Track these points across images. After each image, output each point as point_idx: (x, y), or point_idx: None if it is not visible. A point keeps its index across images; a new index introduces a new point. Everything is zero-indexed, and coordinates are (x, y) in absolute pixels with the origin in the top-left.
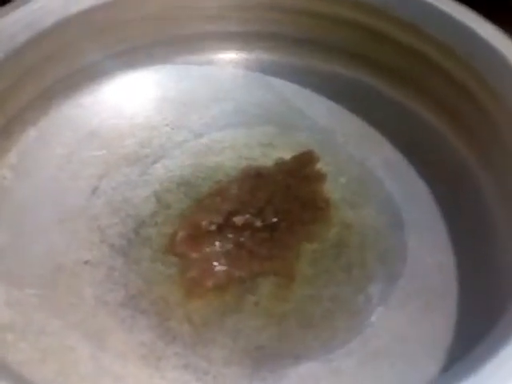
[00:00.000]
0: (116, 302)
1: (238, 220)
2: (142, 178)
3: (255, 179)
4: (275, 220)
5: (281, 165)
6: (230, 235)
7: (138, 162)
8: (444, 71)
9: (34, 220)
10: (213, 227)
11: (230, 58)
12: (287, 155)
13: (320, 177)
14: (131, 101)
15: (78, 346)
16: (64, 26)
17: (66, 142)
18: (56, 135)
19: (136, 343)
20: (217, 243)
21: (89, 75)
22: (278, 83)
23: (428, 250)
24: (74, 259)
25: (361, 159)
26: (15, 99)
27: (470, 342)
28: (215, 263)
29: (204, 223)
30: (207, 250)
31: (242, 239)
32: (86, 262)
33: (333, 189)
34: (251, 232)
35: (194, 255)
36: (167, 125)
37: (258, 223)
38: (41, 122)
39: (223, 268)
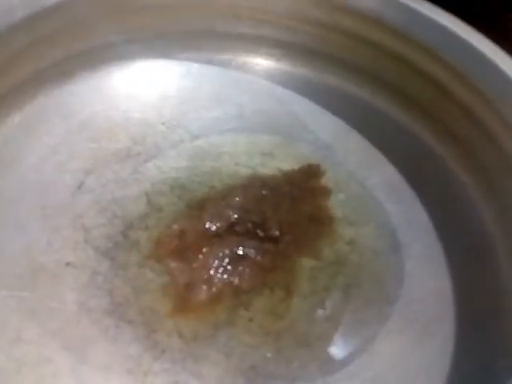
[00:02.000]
0: (100, 310)
1: (239, 228)
2: (133, 177)
3: (260, 188)
4: (278, 232)
5: (286, 175)
6: (229, 243)
7: (129, 159)
8: (451, 95)
9: (14, 214)
10: (210, 233)
11: (236, 60)
12: (287, 167)
13: (325, 192)
14: (127, 94)
15: (57, 356)
16: (66, 7)
17: (54, 130)
18: (43, 123)
19: (121, 356)
20: (213, 251)
21: (84, 62)
22: (284, 93)
23: (425, 274)
24: (56, 259)
25: (361, 178)
26: (3, 81)
27: (468, 367)
28: (210, 272)
29: (200, 229)
30: (201, 257)
31: (241, 249)
32: (67, 264)
33: (332, 205)
34: (252, 242)
35: (187, 263)
36: (163, 123)
37: (261, 233)
38: (27, 107)
39: (218, 278)
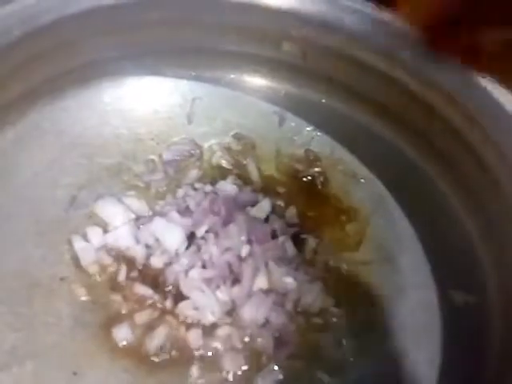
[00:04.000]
0: (96, 324)
1: None
2: (125, 193)
3: None
4: None
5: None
6: None
7: (120, 174)
8: (435, 111)
9: (8, 229)
10: None
11: (223, 77)
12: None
13: None
14: (118, 110)
15: (53, 371)
16: (60, 25)
17: (47, 146)
18: (36, 138)
19: (117, 370)
20: None
21: (76, 79)
22: (271, 108)
23: (412, 286)
24: (51, 275)
25: (347, 191)
26: None
27: (455, 380)
28: None
29: None
30: None
31: None
32: (62, 279)
33: None
34: None
35: None
36: (152, 138)
37: None
38: (20, 124)
39: None
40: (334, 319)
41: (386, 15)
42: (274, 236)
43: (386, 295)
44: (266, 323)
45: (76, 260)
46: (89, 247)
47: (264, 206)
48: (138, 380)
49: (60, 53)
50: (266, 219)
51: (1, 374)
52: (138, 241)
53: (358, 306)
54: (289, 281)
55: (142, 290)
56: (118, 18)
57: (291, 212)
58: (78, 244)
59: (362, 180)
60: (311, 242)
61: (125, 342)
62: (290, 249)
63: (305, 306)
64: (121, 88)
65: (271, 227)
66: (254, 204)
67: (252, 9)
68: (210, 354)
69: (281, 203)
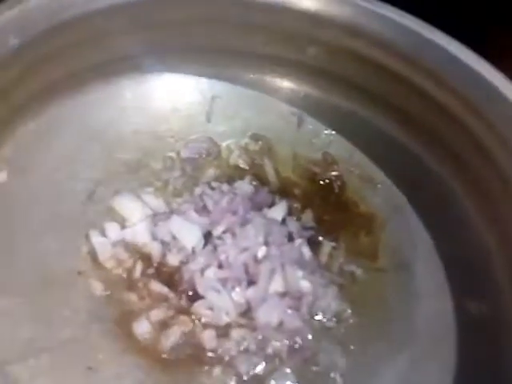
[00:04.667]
0: (111, 319)
1: None
2: (144, 190)
3: None
4: None
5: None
6: None
7: (139, 170)
8: (454, 117)
9: (27, 222)
10: None
11: (243, 76)
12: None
13: None
14: (138, 106)
15: (69, 364)
16: (84, 21)
17: (66, 140)
18: (56, 132)
19: (132, 365)
20: None
21: (97, 74)
22: (289, 110)
23: (427, 294)
24: (68, 269)
25: (363, 196)
26: (20, 90)
27: None
28: None
29: None
30: None
31: None
32: (79, 273)
33: None
34: None
35: None
36: (172, 136)
37: None
38: (41, 117)
39: None
40: (348, 325)
41: (410, 20)
42: (291, 239)
43: (401, 302)
44: (281, 326)
45: (93, 255)
46: (106, 242)
47: (281, 208)
48: (152, 377)
49: (83, 48)
50: (283, 221)
51: (17, 365)
52: (154, 238)
53: (372, 312)
54: (305, 284)
55: (158, 287)
56: (141, 14)
57: (307, 215)
58: (96, 239)
59: (379, 185)
60: (327, 246)
61: (145, 337)
62: (307, 252)
63: (320, 310)
64: (141, 85)
65: (288, 229)
66: (270, 205)
67: (278, 10)
68: (223, 355)
69: (297, 206)
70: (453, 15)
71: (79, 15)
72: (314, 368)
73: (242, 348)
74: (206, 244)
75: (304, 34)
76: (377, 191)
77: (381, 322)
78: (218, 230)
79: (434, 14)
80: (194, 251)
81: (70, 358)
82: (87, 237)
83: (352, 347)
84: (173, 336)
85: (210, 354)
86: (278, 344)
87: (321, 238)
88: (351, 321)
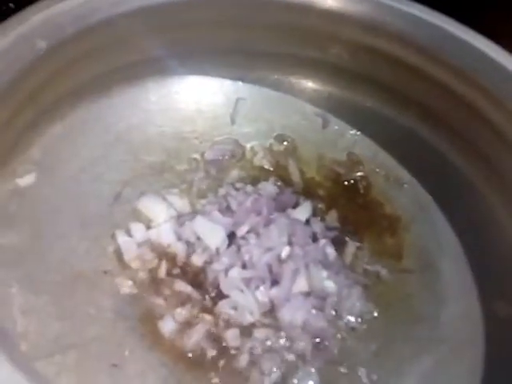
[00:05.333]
0: (136, 318)
1: None
2: (169, 191)
3: None
4: None
5: None
6: None
7: (164, 172)
8: (482, 115)
9: (55, 223)
10: None
11: (267, 78)
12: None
13: None
14: (162, 108)
15: (94, 361)
16: (110, 24)
17: (92, 142)
18: (83, 134)
19: (156, 364)
20: None
21: (122, 77)
22: (314, 111)
23: (455, 296)
24: (94, 268)
25: (389, 197)
26: (48, 93)
27: None
28: None
29: None
30: None
31: None
32: (105, 272)
33: None
34: None
35: None
36: (196, 137)
37: None
38: (68, 120)
39: None
40: (373, 325)
41: (430, 15)
42: (315, 239)
43: (426, 303)
44: (305, 326)
45: (119, 254)
46: (132, 242)
47: (305, 209)
48: (176, 375)
49: (109, 51)
50: (307, 222)
51: (44, 361)
52: (179, 238)
53: (398, 312)
54: (329, 284)
55: (183, 286)
56: (166, 16)
57: (332, 215)
58: (122, 238)
59: (405, 185)
60: (351, 247)
61: (170, 335)
62: (331, 252)
63: (344, 310)
64: (166, 87)
65: (312, 230)
66: (294, 206)
67: (300, 9)
68: (247, 354)
69: (322, 206)
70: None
71: (105, 19)
72: (339, 368)
73: (265, 347)
74: (230, 244)
75: (326, 33)
76: (403, 191)
77: (406, 322)
78: (241, 231)
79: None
80: (218, 251)
81: (96, 355)
82: (113, 237)
83: (377, 347)
84: (196, 334)
85: (233, 353)
86: (302, 344)
87: (345, 239)
88: (376, 321)
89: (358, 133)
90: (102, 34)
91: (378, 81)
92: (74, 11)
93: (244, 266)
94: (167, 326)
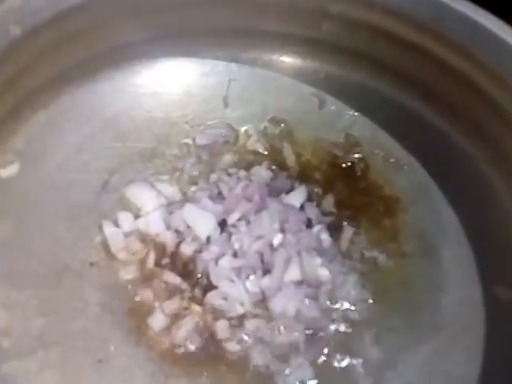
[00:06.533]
0: (122, 312)
1: None
2: (158, 178)
3: None
4: None
5: None
6: None
7: (153, 158)
8: (483, 94)
9: (39, 213)
10: None
11: (261, 58)
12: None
13: None
14: (151, 93)
15: (79, 356)
16: (90, 6)
17: (78, 130)
18: (68, 121)
19: (142, 358)
20: None
21: (108, 61)
22: (310, 91)
23: (455, 281)
24: (80, 260)
25: (388, 179)
26: (28, 80)
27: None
28: None
29: None
30: None
31: None
32: (92, 264)
33: None
34: None
35: None
36: (187, 122)
37: None
38: (52, 107)
39: None
40: (370, 313)
41: None
42: (310, 225)
43: (426, 289)
44: (298, 316)
45: (106, 245)
46: (119, 232)
47: (299, 194)
48: (163, 369)
49: (91, 34)
50: (301, 207)
51: (27, 358)
52: (168, 227)
53: (395, 300)
54: (323, 272)
55: (171, 277)
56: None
57: (328, 200)
58: (109, 229)
59: (405, 167)
60: (348, 232)
61: (159, 329)
62: (326, 239)
63: (339, 298)
64: (154, 70)
65: (306, 216)
66: (289, 191)
67: None
68: (237, 346)
69: (318, 191)
70: None
71: (82, 1)
72: (333, 359)
73: (256, 338)
74: (221, 232)
75: (316, 8)
76: (402, 173)
77: (404, 310)
78: (232, 218)
79: None
80: (208, 240)
81: (81, 350)
82: (100, 227)
83: (373, 336)
84: (185, 327)
85: (223, 345)
86: (295, 334)
87: (342, 224)
88: (373, 309)
89: (356, 113)
90: (83, 16)
91: (377, 59)
92: None
93: (235, 255)
94: (156, 321)
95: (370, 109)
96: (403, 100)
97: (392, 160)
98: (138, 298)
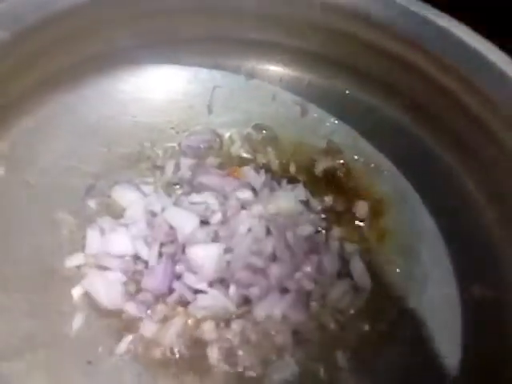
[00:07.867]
0: (111, 314)
1: None
2: (144, 181)
3: None
4: None
5: None
6: None
7: (139, 163)
8: (461, 104)
9: (25, 218)
10: None
11: (244, 65)
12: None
13: None
14: (136, 98)
15: (68, 360)
16: (76, 12)
17: (64, 135)
18: (53, 127)
19: (132, 359)
20: None
21: (94, 67)
22: (293, 99)
23: (432, 281)
24: (67, 264)
25: (369, 185)
26: (14, 85)
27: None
28: None
29: None
30: None
31: None
32: (78, 268)
33: None
34: None
35: None
36: (172, 128)
37: None
38: (39, 112)
39: None
40: (353, 310)
41: (414, 5)
42: (294, 227)
43: (408, 288)
44: (284, 319)
45: (92, 249)
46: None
47: (284, 197)
48: (151, 370)
49: (76, 41)
50: (286, 210)
51: (14, 361)
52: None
53: (377, 298)
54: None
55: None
56: (136, 5)
57: (313, 204)
58: (93, 233)
59: (385, 172)
60: (331, 234)
61: (147, 331)
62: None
63: (325, 300)
64: (140, 77)
65: (292, 218)
66: (273, 194)
67: None
68: (224, 346)
69: (302, 194)
70: None
71: (71, 6)
72: (318, 358)
73: (243, 339)
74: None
75: (304, 20)
76: (382, 178)
77: (385, 307)
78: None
79: None
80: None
81: (69, 352)
82: (86, 231)
83: (355, 332)
84: (172, 330)
85: (209, 347)
86: (281, 336)
87: (325, 226)
88: (355, 307)
89: (337, 121)
90: (68, 22)
91: (360, 69)
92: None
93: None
94: (144, 323)
95: (351, 117)
96: (384, 109)
97: (372, 165)
98: (124, 301)
